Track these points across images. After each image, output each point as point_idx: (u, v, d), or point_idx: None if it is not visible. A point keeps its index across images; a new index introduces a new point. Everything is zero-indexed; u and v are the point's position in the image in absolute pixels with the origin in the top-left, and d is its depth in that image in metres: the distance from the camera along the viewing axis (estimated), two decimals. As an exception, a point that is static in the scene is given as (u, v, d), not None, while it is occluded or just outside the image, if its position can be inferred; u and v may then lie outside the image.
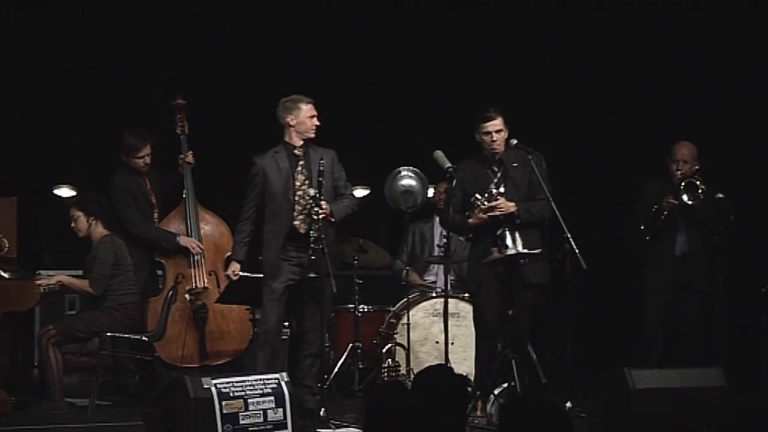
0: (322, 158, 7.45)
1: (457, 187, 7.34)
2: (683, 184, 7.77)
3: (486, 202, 7.21)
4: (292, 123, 7.53)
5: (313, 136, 7.58)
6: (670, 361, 7.85)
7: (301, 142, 7.54)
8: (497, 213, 7.20)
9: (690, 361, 7.69)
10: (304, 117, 7.53)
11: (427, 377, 3.70)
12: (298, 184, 7.51)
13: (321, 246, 7.21)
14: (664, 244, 7.99)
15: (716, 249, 7.81)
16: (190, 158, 8.66)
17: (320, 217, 7.29)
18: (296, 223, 7.47)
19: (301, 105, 7.54)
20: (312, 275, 7.28)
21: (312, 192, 7.35)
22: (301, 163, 7.54)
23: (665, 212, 7.88)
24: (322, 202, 7.34)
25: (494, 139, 7.32)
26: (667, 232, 7.98)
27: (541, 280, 7.38)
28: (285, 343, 8.48)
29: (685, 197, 7.75)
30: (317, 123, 7.56)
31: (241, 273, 7.73)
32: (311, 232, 7.30)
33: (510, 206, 7.22)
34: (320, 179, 7.38)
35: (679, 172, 7.87)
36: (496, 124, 7.34)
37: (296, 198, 7.49)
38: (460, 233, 7.67)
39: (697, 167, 7.91)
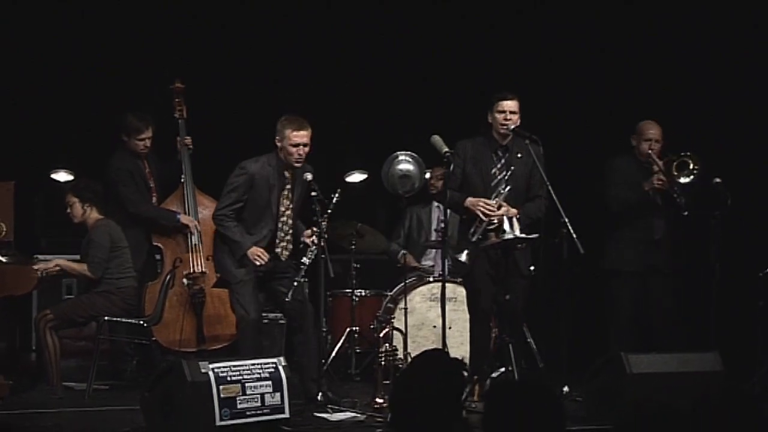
0: (311, 183, 7.25)
1: (458, 164, 7.34)
2: (675, 163, 7.74)
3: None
4: (278, 144, 7.31)
5: (295, 166, 7.30)
6: (645, 345, 7.79)
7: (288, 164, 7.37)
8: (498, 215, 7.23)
9: (664, 344, 7.68)
10: (287, 144, 7.26)
11: (423, 361, 3.70)
12: (282, 209, 7.40)
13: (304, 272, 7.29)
14: (639, 226, 7.93)
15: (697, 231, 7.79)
16: (188, 142, 8.66)
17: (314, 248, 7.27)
18: (278, 250, 7.43)
19: (286, 131, 7.25)
20: (287, 299, 7.25)
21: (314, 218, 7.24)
22: (287, 186, 7.39)
23: (652, 191, 7.82)
24: (314, 228, 7.26)
25: (508, 118, 7.30)
26: (642, 214, 7.94)
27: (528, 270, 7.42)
28: (282, 328, 8.49)
29: (682, 179, 7.72)
30: (301, 153, 7.24)
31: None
32: (305, 259, 7.28)
33: (512, 212, 7.23)
34: (314, 207, 7.21)
35: (651, 151, 7.85)
36: (513, 105, 7.32)
37: (280, 225, 7.42)
38: (459, 213, 7.67)
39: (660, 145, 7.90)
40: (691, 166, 7.70)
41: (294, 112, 7.40)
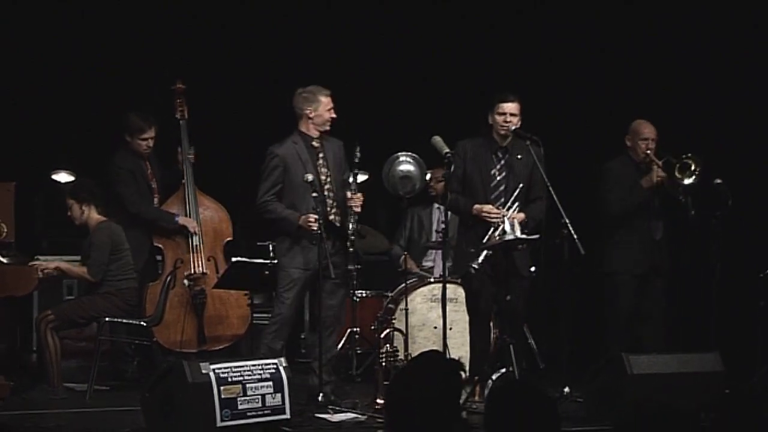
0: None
1: (458, 166, 7.34)
2: (677, 166, 7.74)
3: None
4: (311, 115, 7.42)
5: (328, 128, 7.51)
6: (637, 345, 7.78)
7: (318, 134, 7.47)
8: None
9: (657, 343, 7.68)
10: (323, 110, 7.43)
11: (420, 363, 3.70)
12: (323, 178, 7.44)
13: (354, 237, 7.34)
14: (637, 228, 7.91)
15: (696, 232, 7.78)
16: (192, 157, 8.63)
17: (356, 209, 7.39)
18: (332, 217, 7.44)
19: (321, 97, 7.43)
20: (350, 267, 7.40)
21: (351, 183, 7.41)
22: (321, 155, 7.46)
23: (651, 189, 7.81)
24: (358, 194, 7.40)
25: (508, 120, 7.31)
26: (641, 215, 7.92)
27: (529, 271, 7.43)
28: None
29: (686, 180, 7.71)
30: (334, 115, 7.48)
31: (241, 258, 7.73)
32: (350, 225, 7.36)
33: (520, 217, 7.24)
34: (355, 171, 7.45)
35: (649, 151, 7.84)
36: (513, 107, 7.33)
37: (326, 193, 7.44)
38: (461, 217, 7.66)
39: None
40: (693, 167, 7.70)
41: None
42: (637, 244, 7.90)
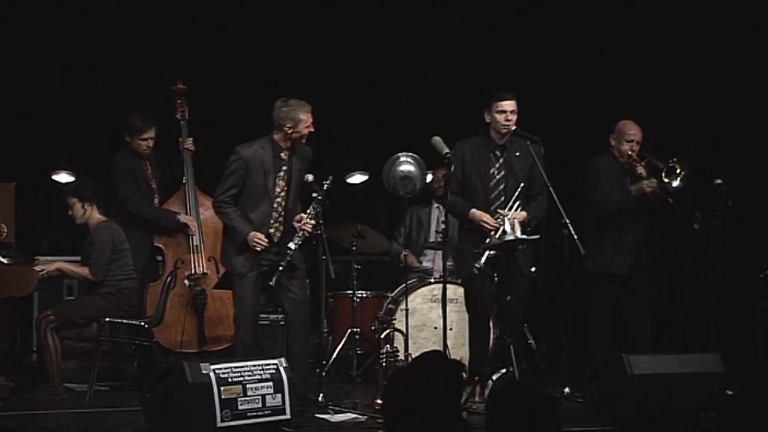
0: (312, 184, 7.35)
1: (457, 166, 7.34)
2: (664, 170, 7.74)
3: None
4: (288, 131, 7.31)
5: (303, 143, 7.41)
6: (626, 345, 7.77)
7: (288, 145, 7.37)
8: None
9: (644, 342, 7.68)
10: (302, 127, 7.31)
11: (421, 363, 3.70)
12: (278, 190, 7.36)
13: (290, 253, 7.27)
14: (621, 227, 7.87)
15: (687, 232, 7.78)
16: (190, 145, 8.66)
17: (305, 234, 7.30)
18: (272, 230, 7.38)
19: (301, 115, 7.29)
20: (270, 283, 7.28)
21: (311, 210, 7.32)
22: (284, 168, 7.36)
23: (643, 195, 7.81)
24: (312, 221, 7.29)
25: (508, 119, 7.32)
26: (625, 215, 7.89)
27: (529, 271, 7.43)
28: (283, 329, 8.48)
29: (674, 183, 7.72)
30: (312, 129, 7.36)
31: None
32: (292, 244, 7.27)
33: (521, 215, 7.24)
34: (319, 199, 7.30)
35: (632, 152, 7.84)
36: (512, 105, 7.34)
37: (274, 205, 7.38)
38: (458, 219, 7.66)
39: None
40: (678, 171, 7.70)
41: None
42: (619, 244, 7.86)
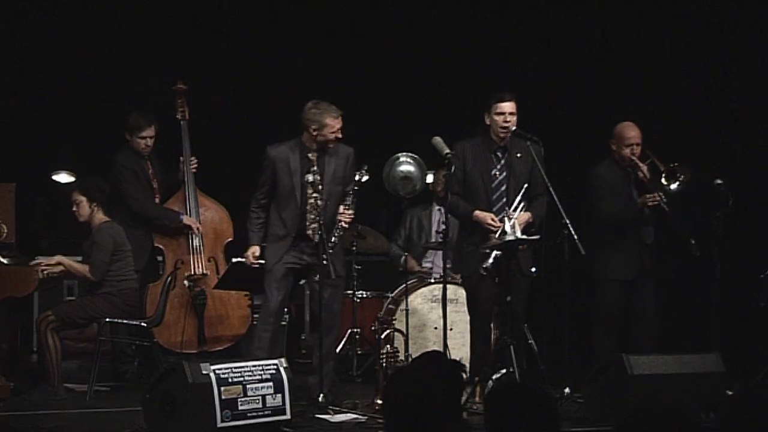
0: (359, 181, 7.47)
1: (458, 167, 7.33)
2: (665, 172, 7.70)
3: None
4: (314, 133, 7.34)
5: (330, 147, 7.43)
6: (629, 347, 7.75)
7: (316, 147, 7.38)
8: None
9: (648, 344, 7.67)
10: (327, 131, 7.35)
11: (421, 363, 3.71)
12: (310, 191, 7.31)
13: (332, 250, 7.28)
14: (629, 233, 7.79)
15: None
16: (193, 167, 8.63)
17: (343, 225, 7.38)
18: (309, 232, 7.36)
19: (327, 120, 7.32)
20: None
21: (348, 198, 7.42)
22: (313, 169, 7.31)
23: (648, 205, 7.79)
24: (350, 210, 7.38)
25: (507, 120, 7.30)
26: (632, 222, 7.82)
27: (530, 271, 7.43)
28: (284, 329, 8.49)
29: (673, 186, 7.68)
30: (340, 136, 7.39)
31: (241, 259, 7.72)
32: (333, 238, 7.31)
33: (525, 217, 7.26)
34: (355, 188, 7.43)
35: (633, 156, 7.79)
36: (511, 106, 7.32)
37: (308, 207, 7.34)
38: (460, 220, 7.65)
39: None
40: (679, 175, 7.66)
41: (323, 99, 7.47)
42: (627, 251, 7.81)
